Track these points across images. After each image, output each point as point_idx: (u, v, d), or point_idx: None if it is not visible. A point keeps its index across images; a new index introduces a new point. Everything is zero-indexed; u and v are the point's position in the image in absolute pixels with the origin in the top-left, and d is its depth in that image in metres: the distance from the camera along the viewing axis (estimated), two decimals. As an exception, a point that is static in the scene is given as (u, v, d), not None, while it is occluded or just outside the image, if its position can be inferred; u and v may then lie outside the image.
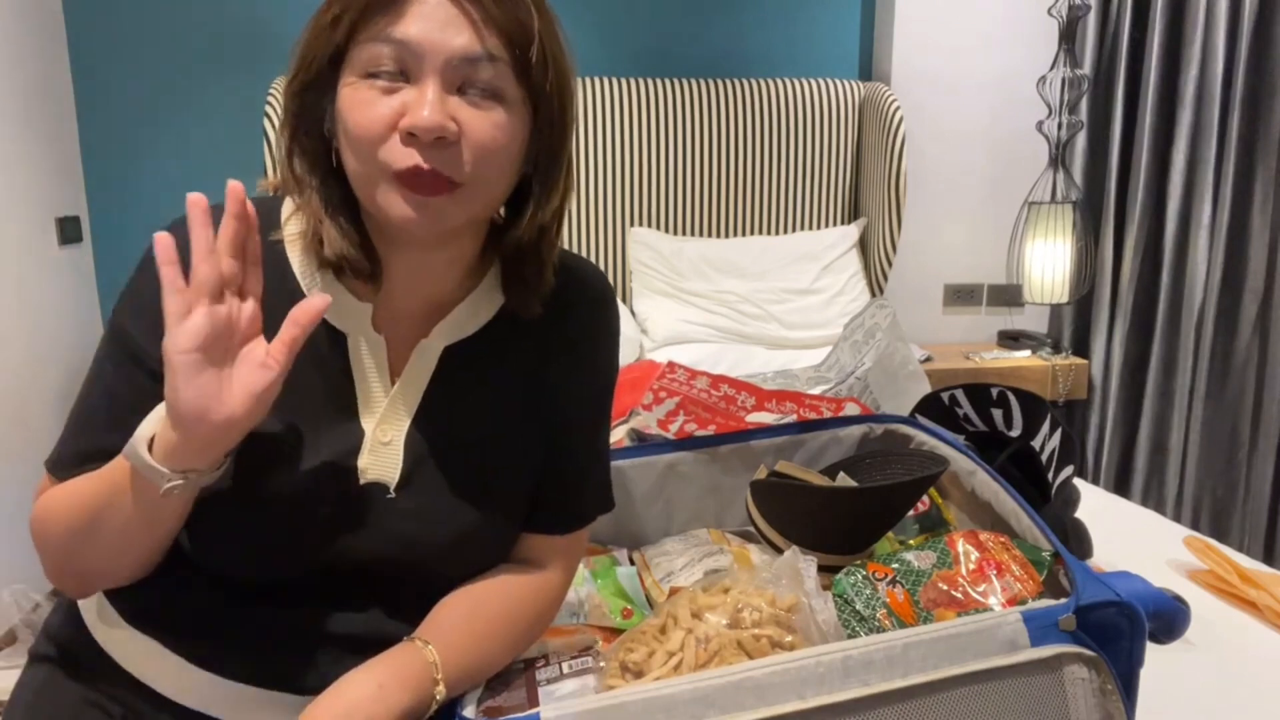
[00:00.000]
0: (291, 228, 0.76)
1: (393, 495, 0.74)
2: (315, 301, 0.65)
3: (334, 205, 0.72)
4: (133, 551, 0.70)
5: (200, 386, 0.61)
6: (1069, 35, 2.50)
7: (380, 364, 0.76)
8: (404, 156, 0.65)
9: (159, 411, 0.65)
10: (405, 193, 0.66)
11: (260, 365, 0.64)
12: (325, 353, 0.74)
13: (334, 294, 0.74)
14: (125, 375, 0.72)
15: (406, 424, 0.76)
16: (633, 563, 1.09)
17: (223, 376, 0.63)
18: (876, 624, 0.78)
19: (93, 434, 0.72)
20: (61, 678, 0.78)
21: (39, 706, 0.78)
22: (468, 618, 0.75)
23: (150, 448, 0.64)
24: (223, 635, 0.73)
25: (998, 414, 1.24)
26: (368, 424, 0.75)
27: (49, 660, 0.80)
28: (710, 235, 2.65)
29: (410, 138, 0.65)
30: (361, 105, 0.66)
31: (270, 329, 0.72)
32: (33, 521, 0.72)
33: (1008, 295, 2.83)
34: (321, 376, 0.74)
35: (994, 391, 1.24)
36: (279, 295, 0.73)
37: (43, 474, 0.76)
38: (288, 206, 0.77)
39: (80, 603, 0.79)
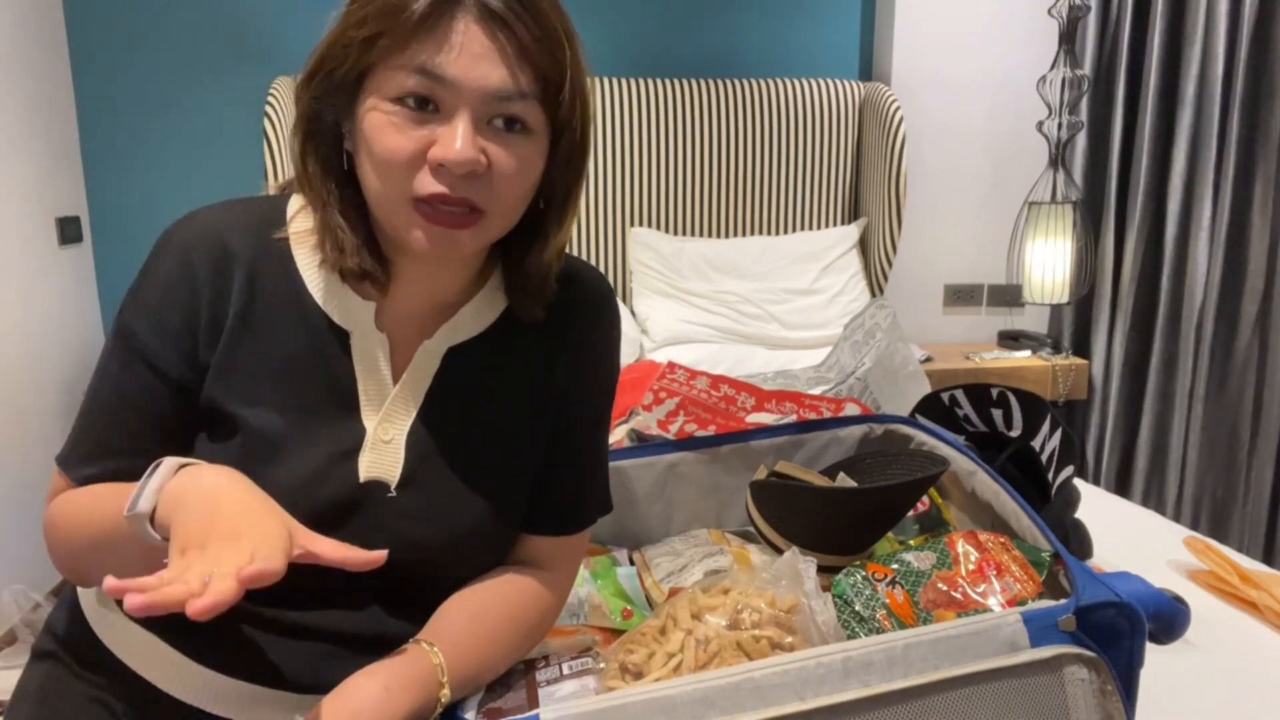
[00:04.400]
0: (297, 225, 0.76)
1: (393, 494, 0.74)
2: (352, 555, 0.62)
3: (349, 212, 0.72)
4: (135, 573, 0.70)
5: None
6: (1069, 35, 2.50)
7: (383, 363, 0.76)
8: (430, 184, 0.66)
9: (159, 481, 0.63)
10: (425, 224, 0.67)
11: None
12: (328, 350, 0.75)
13: (338, 293, 0.75)
14: (132, 373, 0.72)
15: (408, 423, 0.76)
16: (633, 563, 1.09)
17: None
18: (876, 625, 0.78)
19: (101, 431, 0.73)
20: (64, 674, 0.78)
21: (42, 703, 0.78)
22: (472, 620, 0.75)
23: (153, 518, 0.62)
24: (222, 632, 0.73)
25: (998, 414, 1.24)
26: (369, 422, 0.75)
27: (52, 657, 0.80)
28: (710, 235, 2.65)
29: (440, 168, 0.66)
30: (390, 131, 0.66)
31: (273, 327, 0.73)
32: (45, 523, 0.73)
33: (1008, 295, 2.83)
34: (324, 373, 0.74)
35: (994, 392, 1.24)
36: (283, 293, 0.74)
37: (53, 471, 0.76)
38: (293, 204, 0.77)
39: (80, 590, 0.80)
